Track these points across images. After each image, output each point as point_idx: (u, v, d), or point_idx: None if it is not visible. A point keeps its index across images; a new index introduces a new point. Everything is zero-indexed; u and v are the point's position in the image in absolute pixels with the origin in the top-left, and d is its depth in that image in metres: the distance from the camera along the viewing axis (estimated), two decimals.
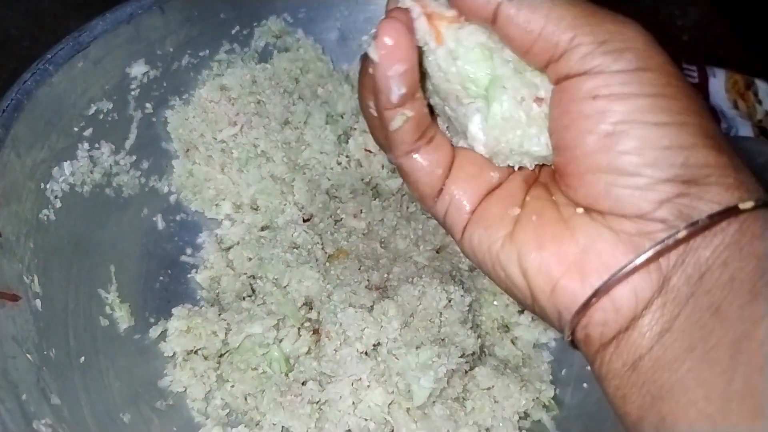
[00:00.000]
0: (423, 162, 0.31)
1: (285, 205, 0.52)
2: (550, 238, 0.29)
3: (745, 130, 0.58)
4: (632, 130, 0.26)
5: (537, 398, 0.46)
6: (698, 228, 0.25)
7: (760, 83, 0.61)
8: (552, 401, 0.47)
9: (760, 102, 0.60)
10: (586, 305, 0.27)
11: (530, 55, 0.27)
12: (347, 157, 0.54)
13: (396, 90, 0.28)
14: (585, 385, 0.48)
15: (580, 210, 0.28)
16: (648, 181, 0.26)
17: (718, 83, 0.61)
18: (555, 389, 0.48)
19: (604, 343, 0.27)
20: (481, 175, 0.32)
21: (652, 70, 0.26)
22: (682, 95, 0.26)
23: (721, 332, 0.24)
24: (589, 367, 0.47)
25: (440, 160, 0.31)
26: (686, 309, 0.26)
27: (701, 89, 0.61)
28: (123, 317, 0.46)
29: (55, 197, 0.44)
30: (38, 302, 0.40)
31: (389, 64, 0.27)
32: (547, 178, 0.32)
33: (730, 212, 0.25)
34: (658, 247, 0.26)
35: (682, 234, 0.25)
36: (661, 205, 0.26)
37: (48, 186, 0.43)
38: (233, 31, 0.53)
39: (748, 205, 0.25)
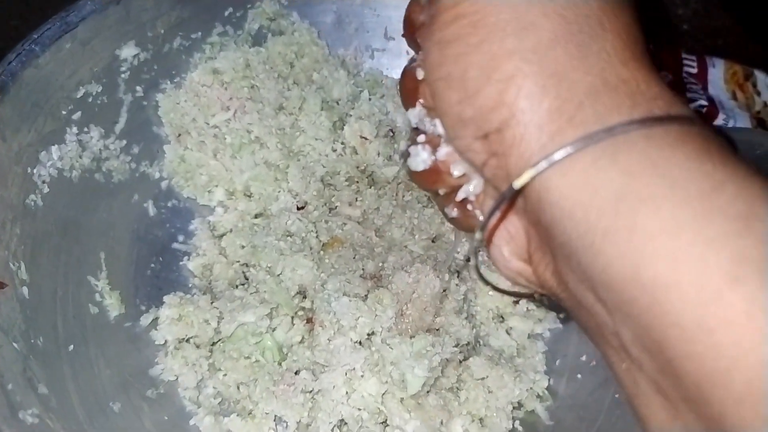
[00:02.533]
0: None
1: (279, 192, 0.51)
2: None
3: (743, 121, 0.58)
4: (434, 89, 0.26)
5: (531, 388, 0.46)
6: (495, 209, 0.25)
7: (759, 74, 0.60)
8: (546, 391, 0.47)
9: (758, 93, 0.60)
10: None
11: None
12: (342, 144, 0.53)
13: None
14: (579, 375, 0.48)
15: None
16: (463, 143, 0.26)
17: (717, 74, 0.61)
18: (549, 380, 0.48)
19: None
20: None
21: (444, 15, 0.25)
22: (476, 23, 0.24)
23: (587, 296, 0.23)
24: (583, 358, 0.48)
25: None
26: (559, 265, 0.25)
27: (700, 79, 0.61)
28: (113, 305, 0.45)
29: (43, 182, 0.43)
30: (25, 289, 0.40)
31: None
32: None
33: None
34: (486, 222, 0.26)
35: (489, 214, 0.25)
36: (483, 170, 0.26)
37: (35, 171, 0.42)
38: (226, 13, 0.52)
39: (523, 180, 0.23)
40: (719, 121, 0.57)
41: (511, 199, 0.24)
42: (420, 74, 0.27)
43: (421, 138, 0.29)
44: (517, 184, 0.23)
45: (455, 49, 0.24)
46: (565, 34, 0.23)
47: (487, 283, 0.31)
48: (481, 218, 0.29)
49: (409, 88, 0.28)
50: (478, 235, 0.27)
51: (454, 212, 0.30)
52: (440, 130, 0.28)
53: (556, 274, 0.25)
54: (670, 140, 0.21)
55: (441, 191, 0.30)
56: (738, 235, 0.19)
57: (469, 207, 0.29)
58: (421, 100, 0.28)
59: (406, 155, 0.30)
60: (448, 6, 0.24)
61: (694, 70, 0.61)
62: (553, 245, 0.24)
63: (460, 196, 0.29)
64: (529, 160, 0.23)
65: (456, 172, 0.28)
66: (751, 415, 0.19)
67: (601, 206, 0.21)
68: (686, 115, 0.22)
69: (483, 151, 0.25)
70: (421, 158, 0.29)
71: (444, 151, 0.28)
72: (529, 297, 0.32)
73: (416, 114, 0.29)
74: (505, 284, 0.31)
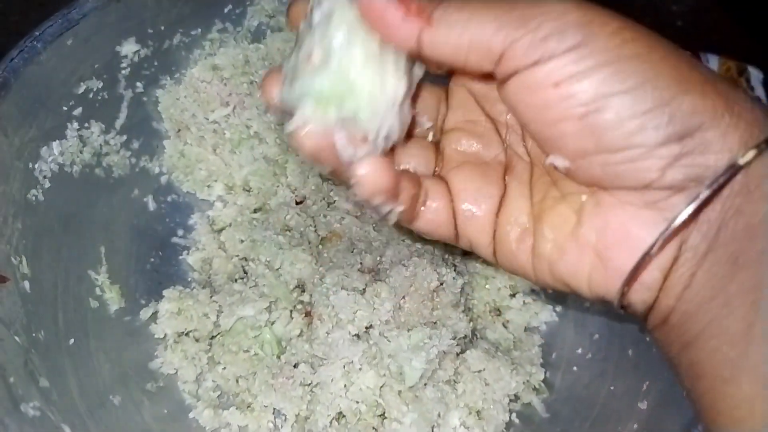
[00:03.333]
0: (426, 227, 0.32)
1: (278, 187, 0.51)
2: (568, 241, 0.29)
3: None
4: (605, 104, 0.25)
5: (527, 381, 0.47)
6: (715, 189, 0.25)
7: (752, 70, 0.61)
8: (542, 384, 0.48)
9: (752, 89, 0.60)
10: (623, 293, 0.27)
11: (469, 67, 0.27)
12: None
13: (383, 209, 0.30)
14: (575, 368, 0.48)
15: (584, 197, 0.28)
16: (642, 151, 0.25)
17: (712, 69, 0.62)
18: (545, 372, 0.48)
19: (647, 308, 0.28)
20: (482, 203, 0.32)
21: (601, 36, 0.25)
22: (643, 48, 0.25)
23: (740, 280, 0.24)
24: (579, 351, 0.48)
25: (441, 217, 0.32)
26: (705, 264, 0.26)
27: None
28: (113, 299, 0.45)
29: (44, 177, 0.43)
30: (27, 284, 0.40)
31: (372, 197, 0.29)
32: (546, 171, 0.31)
33: (734, 168, 0.24)
34: (683, 217, 0.25)
35: (704, 196, 0.25)
36: (666, 171, 0.25)
37: (36, 166, 0.43)
38: (226, 10, 0.52)
39: (749, 156, 0.24)
40: None
41: (721, 184, 0.25)
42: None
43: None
44: (744, 160, 0.24)
45: (639, 65, 0.25)
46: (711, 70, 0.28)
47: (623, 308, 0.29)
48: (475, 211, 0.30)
49: None
50: (681, 217, 0.26)
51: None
52: None
53: (698, 269, 0.26)
54: None
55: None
56: None
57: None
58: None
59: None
60: (610, 32, 0.25)
61: None
62: (731, 236, 0.25)
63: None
64: (740, 148, 0.24)
65: None
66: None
67: None
68: None
69: (670, 154, 0.25)
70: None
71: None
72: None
73: None
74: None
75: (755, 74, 0.60)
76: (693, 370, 0.27)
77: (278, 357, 0.45)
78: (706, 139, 0.25)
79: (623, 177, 0.26)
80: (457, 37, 0.26)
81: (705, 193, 0.25)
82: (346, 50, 0.27)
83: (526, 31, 0.25)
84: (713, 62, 0.62)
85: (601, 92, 0.25)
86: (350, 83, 0.27)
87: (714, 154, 0.25)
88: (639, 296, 0.27)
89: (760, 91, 0.60)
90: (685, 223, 0.25)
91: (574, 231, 0.28)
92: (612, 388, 0.44)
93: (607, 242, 0.27)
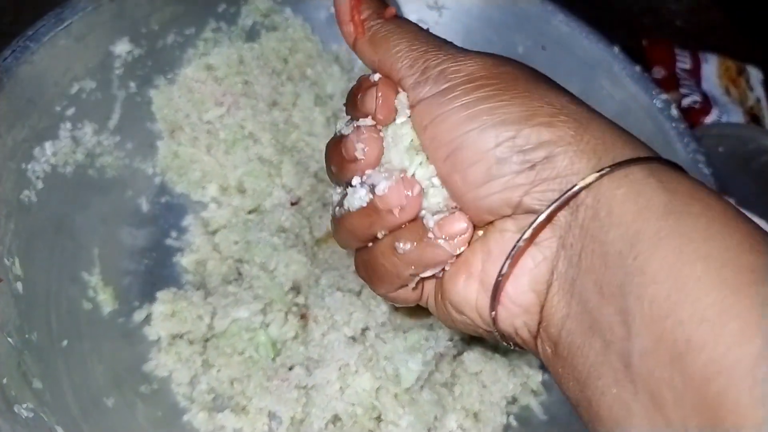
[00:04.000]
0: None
1: (272, 188, 0.51)
2: (461, 272, 0.30)
3: (737, 116, 0.59)
4: (463, 143, 0.27)
5: (525, 383, 0.47)
6: (556, 207, 0.26)
7: (751, 70, 0.61)
8: (540, 386, 0.47)
9: (751, 88, 0.60)
10: (493, 310, 0.29)
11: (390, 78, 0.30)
12: None
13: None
14: None
15: (480, 232, 0.30)
16: (502, 182, 0.27)
17: (711, 69, 0.61)
18: (543, 374, 0.48)
19: (533, 337, 0.29)
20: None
21: (463, 80, 0.27)
22: (501, 85, 0.27)
23: (609, 312, 0.24)
24: None
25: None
26: (575, 292, 0.26)
27: (694, 75, 0.61)
28: (106, 301, 0.45)
29: (37, 178, 0.43)
30: (19, 285, 0.40)
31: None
32: None
33: (574, 190, 0.25)
34: (526, 235, 0.26)
35: (541, 218, 0.26)
36: (523, 198, 0.27)
37: (29, 166, 0.42)
38: (220, 9, 0.52)
39: (590, 179, 0.25)
40: (713, 116, 0.58)
41: (557, 208, 0.26)
42: (396, 132, 0.30)
43: (356, 179, 0.30)
44: (583, 182, 0.25)
45: (489, 104, 0.27)
46: (574, 100, 0.28)
47: (508, 342, 0.31)
48: (447, 247, 0.29)
49: (350, 156, 0.30)
50: (517, 244, 0.27)
51: (407, 246, 0.30)
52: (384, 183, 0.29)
53: (572, 301, 0.26)
54: (677, 171, 0.26)
55: (380, 234, 0.31)
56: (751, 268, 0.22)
57: (431, 236, 0.29)
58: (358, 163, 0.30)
59: (340, 202, 0.32)
60: (468, 79, 0.28)
61: (688, 66, 0.61)
62: (590, 261, 0.25)
63: (430, 219, 0.29)
64: (587, 174, 0.25)
65: (402, 200, 0.29)
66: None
67: (653, 213, 0.24)
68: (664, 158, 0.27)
69: (527, 182, 0.27)
70: (359, 195, 0.30)
71: (384, 185, 0.29)
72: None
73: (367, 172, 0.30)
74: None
75: (754, 74, 0.60)
76: (590, 413, 0.26)
77: (273, 359, 0.45)
78: (556, 165, 0.26)
79: (494, 207, 0.28)
80: (371, 55, 0.31)
81: (543, 215, 0.26)
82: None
83: (411, 70, 0.29)
84: (712, 62, 0.61)
85: (457, 134, 0.27)
86: None
87: (561, 179, 0.26)
88: (519, 320, 0.28)
89: (759, 91, 0.60)
90: (530, 241, 0.27)
91: (465, 260, 0.30)
92: None
93: (487, 266, 0.29)
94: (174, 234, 0.50)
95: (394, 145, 0.30)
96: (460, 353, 0.46)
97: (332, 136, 0.33)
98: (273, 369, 0.44)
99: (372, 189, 0.30)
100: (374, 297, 0.45)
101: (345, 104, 0.33)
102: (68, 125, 0.45)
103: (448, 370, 0.45)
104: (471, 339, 0.48)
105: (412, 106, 0.29)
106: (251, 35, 0.54)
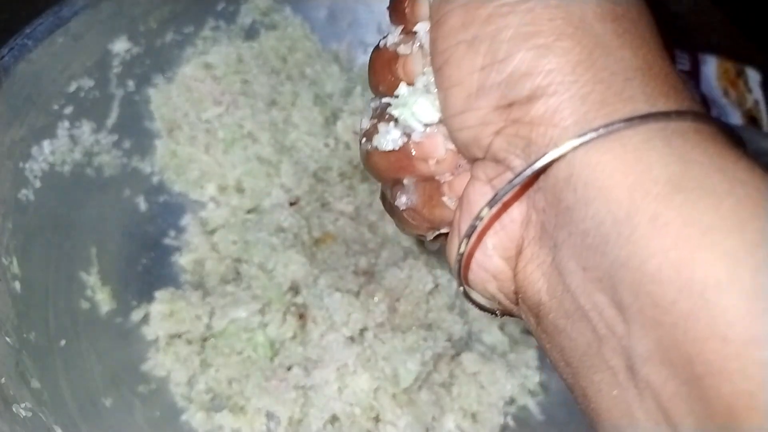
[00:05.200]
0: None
1: (271, 187, 0.51)
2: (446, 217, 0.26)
3: (735, 118, 0.59)
4: (450, 57, 0.23)
5: (523, 384, 0.47)
6: (522, 180, 0.21)
7: (750, 71, 0.61)
8: (538, 387, 0.48)
9: (750, 90, 0.60)
10: (460, 286, 0.25)
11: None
12: (335, 139, 0.53)
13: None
14: None
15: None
16: (477, 116, 0.22)
17: (709, 70, 0.61)
18: (541, 374, 0.48)
19: (513, 303, 0.25)
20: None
21: None
22: None
23: (596, 296, 0.20)
24: None
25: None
26: (553, 263, 0.22)
27: (693, 76, 0.61)
28: (104, 300, 0.45)
29: (35, 177, 0.43)
30: (17, 284, 0.40)
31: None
32: None
33: (535, 170, 0.20)
34: (486, 211, 0.22)
35: (505, 193, 0.22)
36: (492, 142, 0.22)
37: (27, 165, 0.42)
38: (219, 8, 0.52)
39: (562, 149, 0.20)
40: None
41: (533, 175, 0.21)
42: (406, 49, 0.26)
43: (403, 89, 0.26)
44: (555, 153, 0.20)
45: (488, 9, 0.22)
46: (610, 12, 0.21)
47: (470, 300, 0.26)
48: (451, 205, 0.25)
49: (384, 64, 0.26)
50: (478, 218, 0.22)
51: (410, 200, 0.26)
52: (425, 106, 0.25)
53: (550, 274, 0.22)
54: (719, 137, 0.20)
55: (406, 180, 0.27)
56: None
57: (444, 193, 0.26)
58: (401, 76, 0.26)
59: (370, 134, 0.27)
60: None
61: (687, 67, 0.61)
62: (567, 235, 0.20)
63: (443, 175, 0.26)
64: (565, 131, 0.20)
65: (440, 151, 0.25)
66: None
67: (651, 190, 0.18)
68: (712, 117, 0.21)
69: (500, 120, 0.22)
70: (392, 137, 0.26)
71: (420, 131, 0.25)
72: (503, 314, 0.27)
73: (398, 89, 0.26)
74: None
75: (753, 75, 0.60)
76: (585, 404, 0.22)
77: (271, 359, 0.45)
78: (534, 110, 0.21)
79: (466, 145, 0.24)
80: None
81: (504, 189, 0.21)
82: None
83: None
84: (711, 64, 0.61)
85: (449, 42, 0.23)
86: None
87: (533, 131, 0.21)
88: (492, 286, 0.24)
89: (758, 93, 0.60)
90: (504, 207, 0.23)
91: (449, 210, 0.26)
92: None
93: (460, 219, 0.25)
94: (172, 233, 0.50)
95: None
96: (458, 354, 0.46)
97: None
98: (271, 369, 0.44)
99: (407, 133, 0.26)
100: (372, 297, 0.45)
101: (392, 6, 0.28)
102: (66, 124, 0.45)
103: (446, 371, 0.45)
104: (469, 339, 0.48)
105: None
106: (250, 34, 0.54)
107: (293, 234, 0.49)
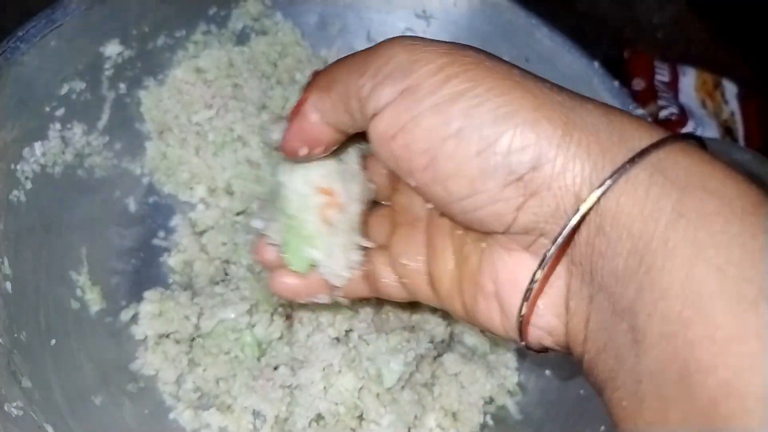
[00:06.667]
0: (394, 293, 0.36)
1: (260, 190, 0.52)
2: (477, 292, 0.28)
3: (711, 129, 0.60)
4: (439, 153, 0.24)
5: (502, 384, 0.48)
6: (565, 237, 0.23)
7: (726, 83, 0.62)
8: (516, 387, 0.49)
9: (726, 102, 0.62)
10: (523, 335, 0.27)
11: (353, 129, 0.28)
12: None
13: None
14: (547, 372, 0.49)
15: (484, 244, 0.27)
16: (488, 195, 0.24)
17: (688, 82, 0.63)
18: (519, 375, 0.49)
19: (566, 347, 0.27)
20: (412, 259, 0.33)
21: (426, 77, 0.24)
22: (467, 83, 0.23)
23: (623, 330, 0.22)
24: (552, 355, 0.49)
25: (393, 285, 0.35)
26: (593, 312, 0.24)
27: (672, 87, 0.62)
28: (94, 300, 0.45)
29: (26, 178, 0.43)
30: (8, 284, 0.40)
31: None
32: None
33: (576, 222, 0.23)
34: (550, 259, 0.24)
35: (553, 251, 0.23)
36: (518, 215, 0.24)
37: (18, 167, 0.42)
38: (210, 12, 0.52)
39: (592, 199, 0.22)
40: (689, 128, 0.59)
41: (571, 231, 0.23)
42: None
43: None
44: (586, 206, 0.22)
45: (462, 104, 0.23)
46: (555, 85, 0.25)
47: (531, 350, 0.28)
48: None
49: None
50: (533, 281, 0.24)
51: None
52: None
53: (588, 317, 0.24)
54: (700, 153, 0.22)
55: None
56: None
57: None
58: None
59: None
60: (433, 71, 0.24)
61: (666, 78, 0.63)
62: (601, 278, 0.23)
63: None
64: (584, 184, 0.22)
65: None
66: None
67: (661, 219, 0.21)
68: (688, 133, 0.24)
69: (517, 195, 0.23)
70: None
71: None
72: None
73: None
74: None
75: (729, 87, 0.62)
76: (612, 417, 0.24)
77: (258, 359, 0.46)
78: (545, 176, 0.23)
79: (485, 222, 0.25)
80: (326, 100, 0.28)
81: (552, 249, 0.23)
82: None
83: (364, 79, 0.25)
84: (690, 75, 0.63)
85: (432, 140, 0.24)
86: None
87: (556, 196, 0.23)
88: (548, 342, 0.27)
89: (733, 105, 0.61)
90: (552, 267, 0.24)
91: (477, 280, 0.28)
92: (582, 391, 0.45)
93: (500, 289, 0.27)
94: (161, 234, 0.51)
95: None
96: (440, 355, 0.47)
97: None
98: (258, 369, 0.45)
99: None
100: (358, 299, 0.46)
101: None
102: (58, 126, 0.45)
103: (428, 371, 0.46)
104: (451, 341, 0.50)
105: (374, 115, 0.25)
106: (241, 39, 0.54)
107: None
